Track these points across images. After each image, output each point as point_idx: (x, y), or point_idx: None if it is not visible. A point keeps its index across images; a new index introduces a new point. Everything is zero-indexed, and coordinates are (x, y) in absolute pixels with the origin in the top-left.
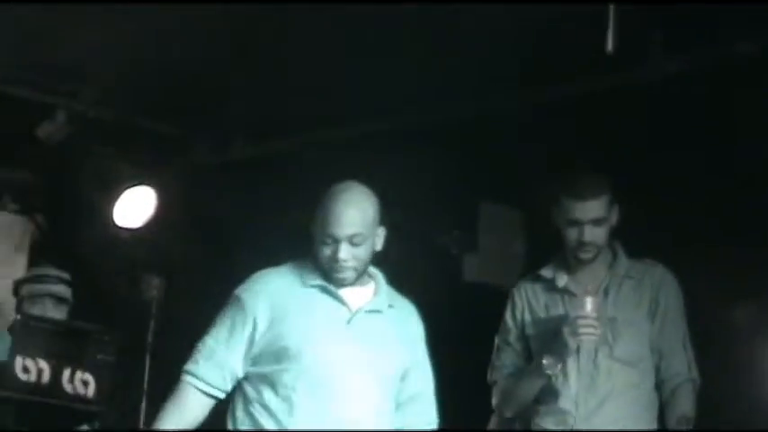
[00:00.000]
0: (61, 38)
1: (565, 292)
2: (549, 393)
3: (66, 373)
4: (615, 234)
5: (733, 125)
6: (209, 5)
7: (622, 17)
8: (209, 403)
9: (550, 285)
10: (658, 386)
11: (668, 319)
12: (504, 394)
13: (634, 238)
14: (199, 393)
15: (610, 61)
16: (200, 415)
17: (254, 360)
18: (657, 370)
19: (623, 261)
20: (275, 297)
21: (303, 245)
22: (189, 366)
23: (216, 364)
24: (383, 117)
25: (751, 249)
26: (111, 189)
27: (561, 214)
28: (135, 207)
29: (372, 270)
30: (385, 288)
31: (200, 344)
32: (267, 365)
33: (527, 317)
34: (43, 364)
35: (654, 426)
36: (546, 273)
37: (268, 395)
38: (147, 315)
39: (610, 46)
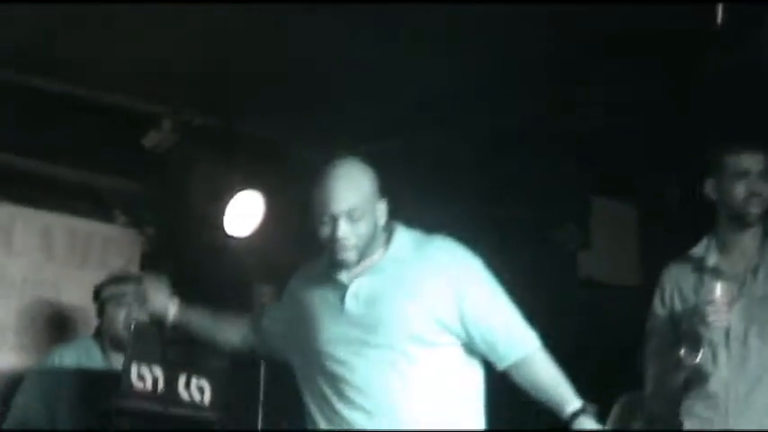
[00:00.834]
0: (164, 47)
1: (714, 271)
2: (698, 376)
3: (182, 379)
4: None
5: None
6: (307, 6)
7: None
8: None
9: (700, 265)
10: None
11: None
12: (654, 385)
13: None
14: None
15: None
16: (229, 332)
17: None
18: None
19: None
20: (295, 294)
21: None
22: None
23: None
24: (501, 113)
25: None
26: (219, 197)
27: (725, 172)
28: (244, 214)
29: (389, 224)
30: (399, 242)
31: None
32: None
33: (677, 301)
34: (158, 372)
35: None
36: (696, 251)
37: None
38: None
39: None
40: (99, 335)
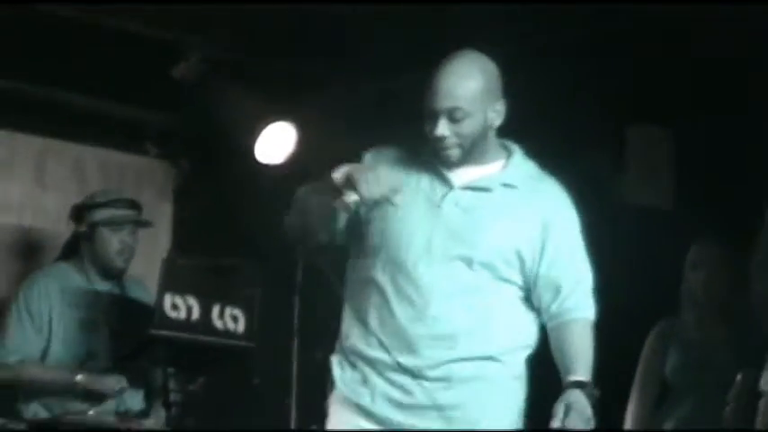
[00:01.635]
0: None
1: None
2: None
3: (216, 309)
4: None
5: None
6: None
7: None
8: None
9: None
10: None
11: None
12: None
13: None
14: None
15: None
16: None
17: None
18: None
19: None
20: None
21: None
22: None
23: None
24: (532, 34)
25: None
26: (250, 127)
27: None
28: (275, 143)
29: (509, 145)
30: (515, 166)
31: None
32: (356, 259)
33: None
34: (192, 301)
35: None
36: None
37: (358, 290)
38: (293, 253)
39: None
40: (77, 258)
